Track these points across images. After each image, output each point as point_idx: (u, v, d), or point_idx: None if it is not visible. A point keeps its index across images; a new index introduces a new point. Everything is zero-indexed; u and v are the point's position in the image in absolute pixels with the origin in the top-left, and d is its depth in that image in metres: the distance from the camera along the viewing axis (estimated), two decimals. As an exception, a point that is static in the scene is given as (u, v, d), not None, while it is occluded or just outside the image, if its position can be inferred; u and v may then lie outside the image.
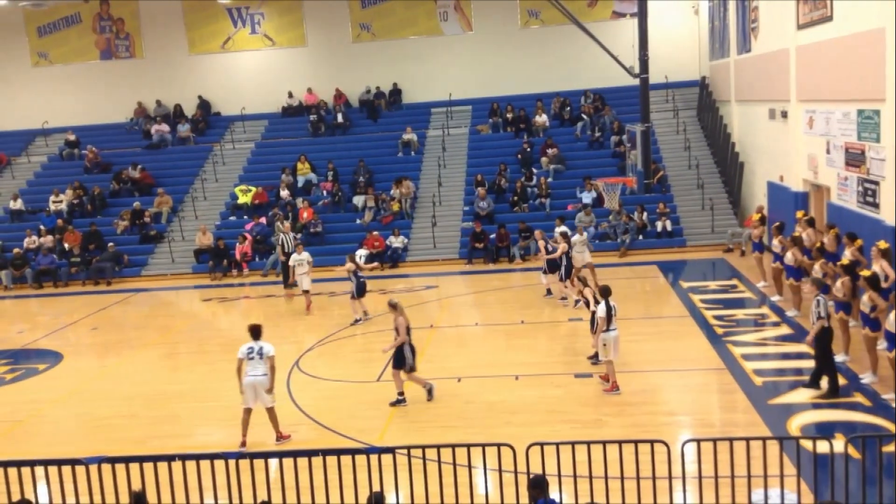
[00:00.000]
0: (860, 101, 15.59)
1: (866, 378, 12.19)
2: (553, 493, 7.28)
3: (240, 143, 31.08)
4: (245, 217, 27.01)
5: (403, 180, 26.71)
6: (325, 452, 8.41)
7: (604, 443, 8.01)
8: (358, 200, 26.84)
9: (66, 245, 26.01)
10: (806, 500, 8.22)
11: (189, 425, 12.60)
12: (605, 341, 12.44)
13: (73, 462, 8.51)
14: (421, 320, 17.87)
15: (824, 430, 10.69)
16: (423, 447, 8.34)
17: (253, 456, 8.75)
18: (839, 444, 8.24)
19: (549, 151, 27.37)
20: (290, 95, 31.88)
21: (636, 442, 7.99)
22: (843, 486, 7.72)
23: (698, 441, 8.90)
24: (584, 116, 28.89)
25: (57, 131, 32.49)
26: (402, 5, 31.10)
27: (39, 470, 8.94)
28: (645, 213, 24.31)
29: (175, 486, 8.40)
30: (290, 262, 19.64)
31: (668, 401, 12.36)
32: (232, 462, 8.26)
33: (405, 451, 8.37)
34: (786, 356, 14.03)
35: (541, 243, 18.92)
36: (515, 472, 8.01)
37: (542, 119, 29.06)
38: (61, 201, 28.23)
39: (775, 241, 16.71)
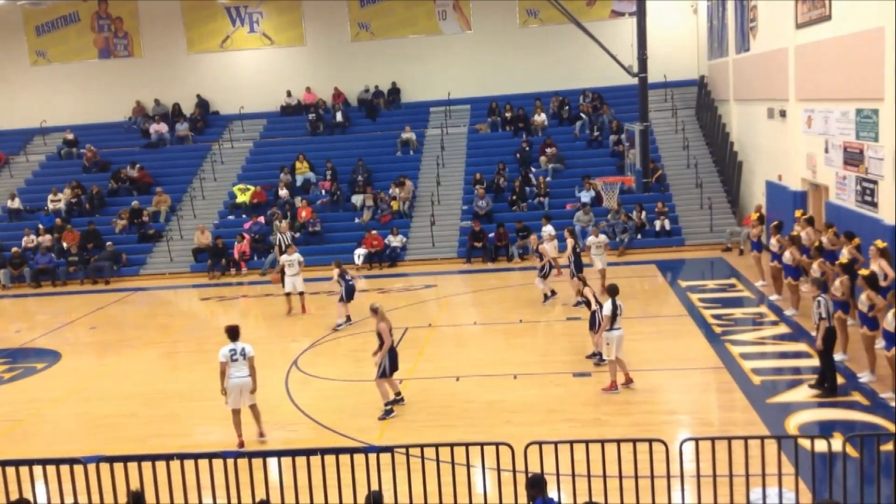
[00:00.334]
0: (859, 101, 15.59)
1: (864, 377, 12.20)
2: (552, 493, 7.27)
3: (238, 142, 31.06)
4: (243, 216, 26.98)
5: (405, 182, 26.71)
6: (324, 451, 8.43)
7: (602, 442, 8.01)
8: (356, 199, 26.82)
9: (65, 244, 25.97)
10: (804, 499, 8.23)
11: (188, 424, 12.59)
12: (608, 340, 12.44)
13: (72, 461, 8.49)
14: (419, 319, 17.88)
15: (822, 429, 10.71)
16: (422, 446, 8.33)
17: (252, 455, 8.74)
18: (837, 443, 8.23)
19: (548, 150, 27.38)
20: (289, 94, 31.86)
21: (635, 441, 8.01)
22: (842, 484, 7.71)
23: (697, 440, 8.90)
24: (583, 116, 28.90)
25: (55, 130, 32.39)
26: (400, 5, 31.07)
27: (38, 469, 8.94)
28: (643, 213, 24.34)
29: (174, 485, 8.38)
30: (280, 261, 19.65)
31: (666, 400, 12.37)
32: (231, 461, 8.26)
33: (404, 451, 8.36)
34: (784, 355, 14.05)
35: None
36: (514, 472, 8.01)
37: (540, 118, 29.06)
38: (59, 200, 28.19)
39: (773, 241, 16.72)
